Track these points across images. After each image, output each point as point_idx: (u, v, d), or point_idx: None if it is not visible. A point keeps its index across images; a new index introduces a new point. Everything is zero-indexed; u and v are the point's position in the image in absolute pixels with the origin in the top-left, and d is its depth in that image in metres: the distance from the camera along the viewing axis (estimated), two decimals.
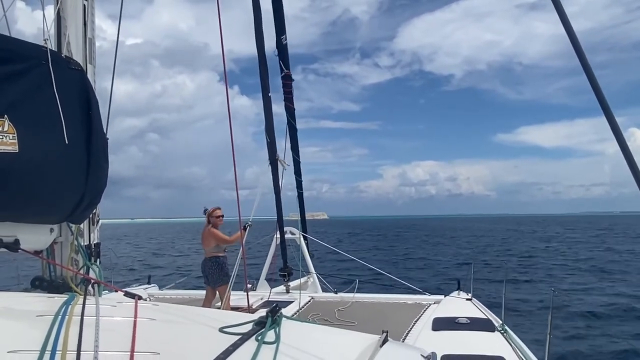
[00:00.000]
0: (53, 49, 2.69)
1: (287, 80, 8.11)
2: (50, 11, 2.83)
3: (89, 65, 3.00)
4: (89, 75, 2.96)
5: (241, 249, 6.41)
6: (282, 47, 7.83)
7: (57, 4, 2.83)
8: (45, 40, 2.56)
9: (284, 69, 7.97)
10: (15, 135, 2.21)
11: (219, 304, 7.00)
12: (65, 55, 2.73)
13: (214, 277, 7.02)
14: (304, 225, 9.22)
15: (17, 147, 2.21)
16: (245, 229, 6.56)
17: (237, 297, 7.00)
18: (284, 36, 7.73)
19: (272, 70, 7.70)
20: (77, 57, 2.88)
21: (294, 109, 8.44)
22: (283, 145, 8.20)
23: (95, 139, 2.67)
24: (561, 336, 9.69)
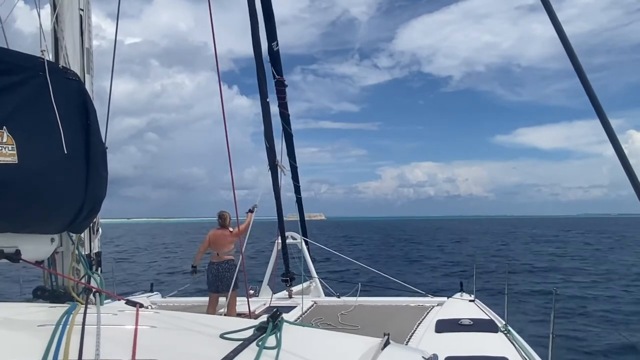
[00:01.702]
0: (50, 59, 2.71)
1: (280, 87, 8.09)
2: (47, 21, 2.85)
3: (86, 75, 3.01)
4: (87, 85, 2.97)
5: (242, 245, 6.50)
6: (273, 54, 7.80)
7: (54, 14, 2.84)
8: (42, 51, 2.58)
9: (275, 75, 7.96)
10: (15, 146, 2.22)
11: (222, 310, 6.98)
12: (62, 66, 2.74)
13: (229, 281, 6.83)
14: (303, 229, 9.21)
15: (16, 158, 2.22)
16: (251, 211, 7.18)
17: (239, 303, 7.00)
18: (275, 42, 7.70)
19: (270, 75, 7.71)
20: (75, 67, 2.89)
21: (289, 115, 8.40)
22: (281, 148, 8.21)
23: (93, 148, 2.68)
24: (564, 336, 9.66)
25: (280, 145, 8.24)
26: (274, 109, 8.19)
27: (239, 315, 6.66)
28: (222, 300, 7.09)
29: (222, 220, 7.29)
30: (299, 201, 9.22)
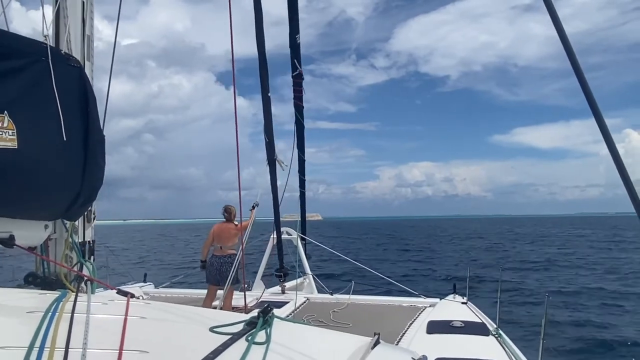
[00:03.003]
0: (52, 45, 2.70)
1: (299, 79, 8.11)
2: (49, 9, 2.84)
3: (87, 62, 3.01)
4: (87, 72, 2.96)
5: (241, 244, 6.50)
6: (296, 46, 7.86)
7: (57, 1, 2.83)
8: (45, 36, 2.56)
9: (298, 67, 7.98)
10: (15, 131, 2.21)
11: (215, 303, 6.98)
12: (64, 52, 2.73)
13: (228, 275, 6.80)
14: (303, 225, 9.17)
15: (16, 143, 2.21)
16: (253, 208, 7.23)
17: (233, 297, 7.00)
18: (298, 35, 7.76)
19: (271, 70, 7.72)
20: (76, 54, 2.89)
21: (303, 107, 8.42)
22: (281, 145, 8.20)
23: (92, 136, 2.67)
24: (555, 341, 9.69)
25: (283, 139, 8.27)
26: (278, 104, 8.22)
27: (233, 309, 6.67)
28: (218, 293, 7.10)
29: (228, 214, 7.29)
30: (302, 195, 9.18)
